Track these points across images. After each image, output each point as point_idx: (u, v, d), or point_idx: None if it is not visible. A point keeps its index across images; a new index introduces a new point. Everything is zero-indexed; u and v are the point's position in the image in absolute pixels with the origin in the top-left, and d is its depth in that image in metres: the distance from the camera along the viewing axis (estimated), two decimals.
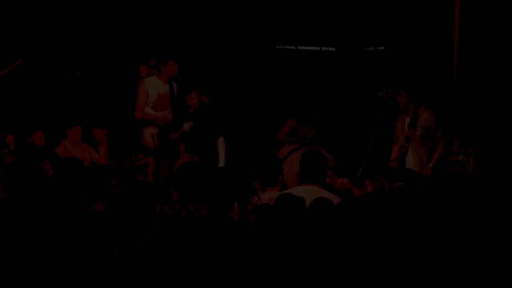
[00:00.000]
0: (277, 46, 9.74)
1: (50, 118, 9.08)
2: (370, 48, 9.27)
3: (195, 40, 9.44)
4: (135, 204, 5.04)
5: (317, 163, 5.43)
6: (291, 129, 9.31)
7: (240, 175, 5.42)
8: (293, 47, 9.69)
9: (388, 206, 4.05)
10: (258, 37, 9.61)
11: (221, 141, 7.64)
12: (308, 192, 5.16)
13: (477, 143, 7.66)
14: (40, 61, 8.98)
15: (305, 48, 9.65)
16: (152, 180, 7.61)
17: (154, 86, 7.80)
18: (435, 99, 8.16)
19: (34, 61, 8.46)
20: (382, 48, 5.80)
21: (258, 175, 5.71)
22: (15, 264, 3.78)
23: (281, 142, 9.29)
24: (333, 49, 9.39)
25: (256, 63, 10.01)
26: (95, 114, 8.89)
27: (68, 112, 9.36)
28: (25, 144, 7.59)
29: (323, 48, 9.52)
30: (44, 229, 4.23)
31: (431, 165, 7.01)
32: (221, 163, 7.45)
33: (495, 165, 7.72)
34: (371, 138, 7.60)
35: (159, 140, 7.63)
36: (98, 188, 4.95)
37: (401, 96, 6.99)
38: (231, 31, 9.29)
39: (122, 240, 4.48)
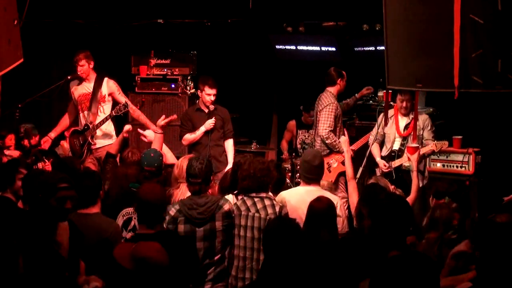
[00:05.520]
0: (277, 46, 9.74)
1: (50, 118, 9.09)
2: (370, 48, 9.27)
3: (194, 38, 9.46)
4: None
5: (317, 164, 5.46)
6: (291, 133, 9.32)
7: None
8: (293, 47, 9.69)
9: None
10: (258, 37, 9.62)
11: (230, 143, 7.60)
12: (306, 193, 5.20)
13: (477, 144, 7.66)
14: (40, 61, 9.00)
15: (305, 48, 9.65)
16: None
17: (78, 88, 7.63)
18: (435, 100, 8.19)
19: (34, 61, 8.47)
20: (382, 48, 5.81)
21: None
22: None
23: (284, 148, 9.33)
24: (333, 49, 9.38)
25: (256, 63, 10.02)
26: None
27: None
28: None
29: (323, 48, 9.52)
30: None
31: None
32: (231, 164, 7.40)
33: (495, 166, 7.73)
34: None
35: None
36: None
37: (405, 97, 6.95)
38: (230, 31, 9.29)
39: None
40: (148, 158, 5.55)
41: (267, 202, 4.94)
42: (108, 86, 7.55)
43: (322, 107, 7.44)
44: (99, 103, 7.48)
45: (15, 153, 6.91)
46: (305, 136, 9.10)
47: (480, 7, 5.13)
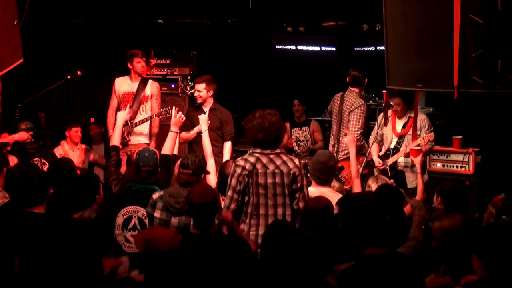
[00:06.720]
0: (277, 46, 9.74)
1: (50, 118, 9.09)
2: (370, 48, 9.28)
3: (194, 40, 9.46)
4: None
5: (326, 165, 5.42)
6: (287, 134, 9.30)
7: None
8: (293, 47, 9.70)
9: None
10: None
11: (228, 145, 7.56)
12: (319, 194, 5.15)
13: (477, 144, 7.66)
14: (40, 61, 9.00)
15: (305, 48, 9.65)
16: None
17: (122, 86, 7.78)
18: (435, 100, 8.19)
19: (34, 61, 8.47)
20: (382, 48, 5.83)
21: None
22: None
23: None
24: (333, 49, 9.39)
25: (256, 63, 10.02)
26: (93, 114, 8.90)
27: (67, 113, 9.38)
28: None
29: (323, 48, 9.52)
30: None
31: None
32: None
33: (495, 166, 7.73)
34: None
35: None
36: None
37: (396, 101, 6.94)
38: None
39: None
40: (143, 158, 5.45)
41: (284, 157, 4.88)
42: (152, 88, 7.80)
43: (353, 108, 7.41)
44: (141, 103, 7.71)
45: (25, 135, 6.92)
46: (299, 133, 9.11)
47: (480, 7, 5.13)
